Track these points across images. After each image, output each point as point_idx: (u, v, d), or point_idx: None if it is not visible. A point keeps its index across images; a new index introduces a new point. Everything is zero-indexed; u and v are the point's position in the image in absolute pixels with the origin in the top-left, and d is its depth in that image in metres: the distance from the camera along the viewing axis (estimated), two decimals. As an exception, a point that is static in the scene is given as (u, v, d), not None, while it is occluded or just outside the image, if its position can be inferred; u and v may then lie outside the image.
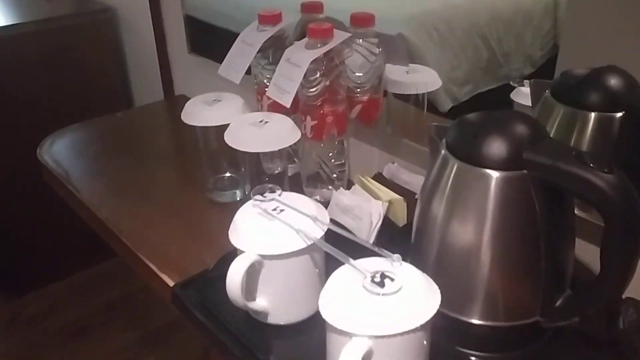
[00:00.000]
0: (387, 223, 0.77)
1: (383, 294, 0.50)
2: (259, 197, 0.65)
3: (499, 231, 0.56)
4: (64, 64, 1.59)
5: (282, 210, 0.63)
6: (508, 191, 0.55)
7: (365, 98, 0.90)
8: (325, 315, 0.51)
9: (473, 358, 0.61)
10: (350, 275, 0.53)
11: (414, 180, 0.81)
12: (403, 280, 0.52)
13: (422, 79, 0.93)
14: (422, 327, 0.50)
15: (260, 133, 0.79)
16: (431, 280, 0.53)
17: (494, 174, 0.55)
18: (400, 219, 0.78)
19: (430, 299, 0.51)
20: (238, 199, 0.93)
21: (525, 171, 0.54)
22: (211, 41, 1.20)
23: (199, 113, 0.87)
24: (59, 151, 1.15)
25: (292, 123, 0.82)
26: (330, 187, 0.91)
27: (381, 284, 0.51)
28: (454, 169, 0.58)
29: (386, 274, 0.52)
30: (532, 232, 0.55)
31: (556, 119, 0.68)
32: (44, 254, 1.76)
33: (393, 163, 0.85)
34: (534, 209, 0.54)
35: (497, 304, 0.59)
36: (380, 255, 0.55)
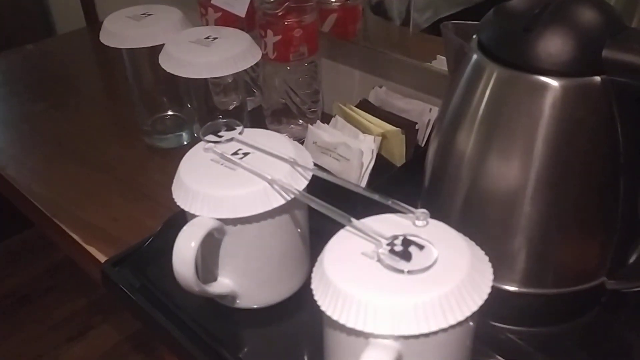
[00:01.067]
0: (380, 163, 0.59)
1: (409, 271, 0.33)
2: (212, 137, 0.46)
3: (562, 165, 0.39)
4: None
5: (246, 154, 0.44)
6: (578, 107, 0.38)
7: (339, 4, 0.70)
8: (326, 307, 0.33)
9: (511, 335, 0.46)
10: (356, 244, 0.36)
11: (412, 107, 0.63)
12: (436, 248, 0.35)
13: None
14: (471, 318, 0.33)
15: (207, 53, 0.59)
16: (473, 244, 0.37)
17: (557, 83, 0.37)
18: (398, 156, 0.60)
19: (479, 272, 0.34)
20: (185, 143, 0.74)
21: (602, 77, 0.37)
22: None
23: (123, 31, 0.65)
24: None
25: (250, 38, 0.62)
26: (301, 121, 0.73)
27: (406, 255, 0.34)
28: (494, 79, 0.40)
29: (410, 239, 0.35)
30: (611, 164, 0.39)
31: None
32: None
33: (380, 87, 0.67)
34: (614, 130, 0.38)
35: (549, 265, 0.43)
36: (394, 211, 0.38)
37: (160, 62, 0.60)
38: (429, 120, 0.63)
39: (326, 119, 0.72)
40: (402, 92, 0.67)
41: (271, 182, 0.41)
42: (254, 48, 0.61)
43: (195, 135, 0.73)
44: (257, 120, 0.75)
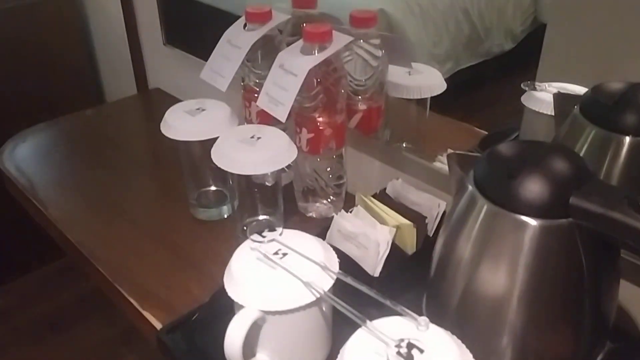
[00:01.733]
0: (394, 250, 0.69)
1: (412, 371, 0.43)
2: (257, 237, 0.57)
3: (537, 285, 0.49)
4: (22, 53, 1.44)
5: (285, 255, 0.55)
6: (550, 242, 0.48)
7: (365, 106, 0.81)
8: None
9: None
10: (371, 342, 0.46)
11: (423, 201, 0.74)
12: (433, 352, 0.44)
13: (426, 81, 0.85)
14: (458, 409, 0.43)
15: (253, 152, 0.70)
16: (464, 347, 0.46)
17: (534, 222, 0.48)
18: (409, 246, 0.71)
19: (466, 373, 0.44)
20: (225, 216, 0.85)
21: (570, 219, 0.47)
22: (189, 32, 1.09)
23: (181, 125, 0.77)
24: (22, 157, 1.04)
25: (288, 139, 0.73)
26: (325, 201, 0.84)
27: (409, 358, 0.44)
28: (484, 211, 0.50)
29: (413, 342, 0.45)
30: (576, 286, 0.49)
31: (586, 141, 0.61)
32: (8, 245, 1.59)
33: (397, 179, 0.78)
34: (579, 261, 0.48)
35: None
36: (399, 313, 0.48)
37: (213, 158, 0.71)
38: (438, 213, 0.73)
39: (349, 198, 0.83)
40: (416, 184, 0.78)
41: (306, 284, 0.52)
42: (291, 148, 0.72)
43: (235, 209, 0.84)
44: (289, 195, 0.85)
